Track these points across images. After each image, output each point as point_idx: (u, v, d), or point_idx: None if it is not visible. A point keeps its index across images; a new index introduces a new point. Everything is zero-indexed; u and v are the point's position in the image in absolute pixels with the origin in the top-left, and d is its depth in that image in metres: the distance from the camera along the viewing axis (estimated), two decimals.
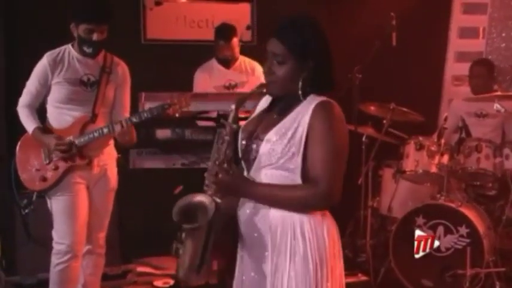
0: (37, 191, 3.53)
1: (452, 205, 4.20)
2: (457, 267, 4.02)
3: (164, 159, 4.02)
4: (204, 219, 2.08)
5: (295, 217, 2.08)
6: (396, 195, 4.71)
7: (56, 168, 3.47)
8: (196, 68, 4.89)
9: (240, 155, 2.20)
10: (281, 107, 2.17)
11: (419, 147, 4.46)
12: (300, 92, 2.10)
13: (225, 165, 2.10)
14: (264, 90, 2.20)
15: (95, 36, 3.41)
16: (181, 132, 3.97)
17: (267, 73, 2.15)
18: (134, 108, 3.93)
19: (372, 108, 4.79)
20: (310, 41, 2.10)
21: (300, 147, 2.05)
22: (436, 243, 4.10)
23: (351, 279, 4.54)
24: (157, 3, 5.30)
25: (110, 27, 3.49)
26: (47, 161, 3.49)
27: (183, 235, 2.11)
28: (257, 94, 2.26)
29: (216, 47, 4.77)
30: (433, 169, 4.43)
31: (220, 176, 2.08)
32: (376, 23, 4.92)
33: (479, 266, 4.03)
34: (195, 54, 5.00)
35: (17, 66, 4.74)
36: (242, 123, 2.28)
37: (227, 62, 4.77)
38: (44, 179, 3.47)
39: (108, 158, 3.64)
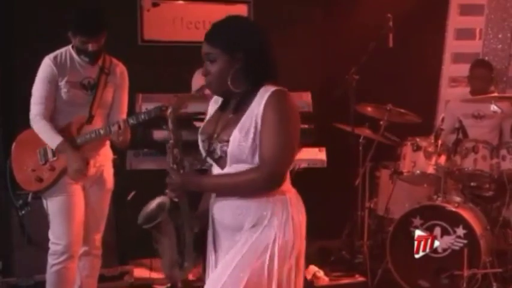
0: (33, 191, 3.52)
1: (449, 206, 4.20)
2: (454, 268, 4.02)
3: (161, 161, 4.00)
4: (161, 216, 2.22)
5: (269, 202, 2.19)
6: (393, 196, 4.72)
7: (52, 168, 3.46)
8: (193, 68, 4.88)
9: (204, 155, 2.30)
10: (235, 104, 2.26)
11: (416, 148, 4.47)
12: (229, 84, 2.18)
13: (175, 166, 2.25)
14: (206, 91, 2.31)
15: (90, 47, 3.42)
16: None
17: (205, 74, 2.25)
18: (131, 109, 3.93)
19: (369, 109, 4.79)
20: (236, 34, 2.21)
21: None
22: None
23: (348, 280, 4.54)
24: (154, 5, 5.29)
25: (106, 32, 3.48)
26: (43, 162, 3.48)
27: (157, 235, 2.26)
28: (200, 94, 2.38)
29: None
30: (430, 170, 4.44)
31: (172, 176, 2.23)
32: (373, 24, 4.92)
33: (476, 267, 4.03)
34: (192, 55, 4.96)
35: (14, 67, 4.73)
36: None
37: None
38: (40, 180, 3.46)
39: (105, 159, 3.63)
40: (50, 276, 3.50)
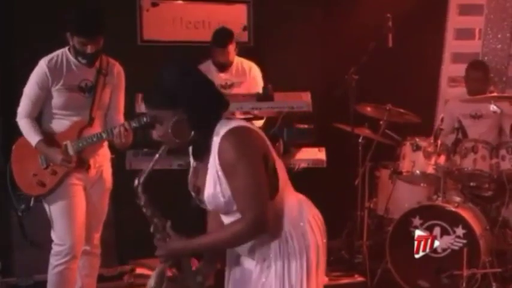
0: (35, 196, 3.48)
1: (449, 206, 4.20)
2: (454, 268, 4.02)
3: (161, 160, 3.99)
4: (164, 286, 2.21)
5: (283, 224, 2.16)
6: (393, 196, 4.72)
7: (54, 173, 3.44)
8: None
9: (198, 203, 2.27)
10: (198, 153, 2.23)
11: (416, 148, 4.47)
12: (170, 133, 2.13)
13: (159, 235, 2.22)
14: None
15: (89, 49, 3.39)
16: None
17: (161, 137, 2.20)
18: (131, 109, 3.92)
19: (369, 109, 4.80)
20: (168, 90, 2.14)
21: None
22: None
23: (347, 280, 4.54)
24: (154, 5, 5.29)
25: (105, 34, 3.47)
26: (44, 166, 3.46)
27: None
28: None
29: (212, 51, 4.77)
30: (430, 170, 4.44)
31: (159, 247, 2.21)
32: (372, 24, 4.92)
33: (476, 267, 4.03)
34: (191, 55, 4.99)
35: (14, 67, 4.72)
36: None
37: (222, 67, 4.76)
38: (42, 184, 3.44)
39: (103, 160, 3.62)
40: (52, 277, 3.50)
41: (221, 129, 2.10)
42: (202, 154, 2.17)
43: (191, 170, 2.31)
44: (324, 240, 2.25)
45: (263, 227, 2.10)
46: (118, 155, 3.88)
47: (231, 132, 2.09)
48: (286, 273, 2.14)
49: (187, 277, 2.24)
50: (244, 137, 2.11)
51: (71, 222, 3.45)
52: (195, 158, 2.27)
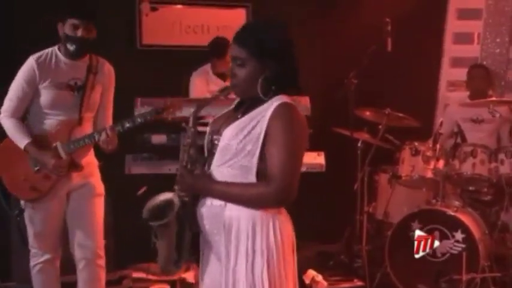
0: (28, 200, 3.37)
1: (448, 210, 4.20)
2: (453, 272, 4.02)
3: (160, 165, 4.00)
4: (170, 215, 2.20)
5: (249, 214, 2.16)
6: (392, 201, 4.72)
7: (47, 177, 3.33)
8: (192, 72, 4.89)
9: (206, 149, 2.29)
10: (246, 106, 2.25)
11: (415, 153, 4.48)
12: (259, 91, 2.17)
13: (189, 165, 2.24)
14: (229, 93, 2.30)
15: (80, 32, 3.28)
16: (176, 138, 3.96)
17: (231, 76, 2.23)
18: (130, 113, 3.92)
19: (368, 113, 4.80)
20: (268, 42, 2.17)
21: (257, 146, 2.13)
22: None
23: (346, 285, 4.54)
24: (153, 9, 5.30)
25: (104, 32, 3.44)
26: (36, 169, 3.34)
27: (158, 231, 2.24)
28: (224, 97, 2.33)
29: (211, 62, 4.75)
30: (429, 174, 4.45)
31: (184, 176, 2.22)
32: (371, 28, 4.93)
33: (475, 271, 4.03)
34: (190, 59, 5.01)
35: (14, 67, 4.72)
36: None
37: (223, 77, 4.75)
38: (35, 189, 3.33)
39: (89, 167, 3.49)
40: (34, 278, 3.48)
41: (276, 100, 2.15)
42: (249, 110, 2.19)
43: (221, 115, 2.34)
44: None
45: (287, 198, 2.13)
46: (116, 160, 3.87)
47: (292, 106, 2.15)
48: (256, 262, 2.15)
49: (188, 213, 2.25)
50: (301, 118, 2.17)
51: (42, 229, 3.38)
52: (239, 109, 2.27)
